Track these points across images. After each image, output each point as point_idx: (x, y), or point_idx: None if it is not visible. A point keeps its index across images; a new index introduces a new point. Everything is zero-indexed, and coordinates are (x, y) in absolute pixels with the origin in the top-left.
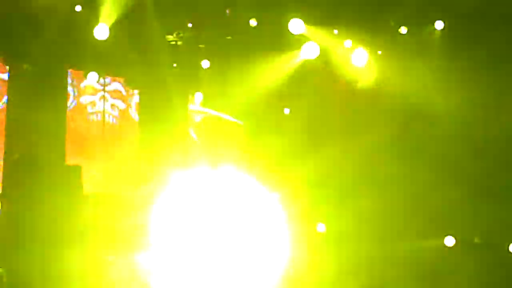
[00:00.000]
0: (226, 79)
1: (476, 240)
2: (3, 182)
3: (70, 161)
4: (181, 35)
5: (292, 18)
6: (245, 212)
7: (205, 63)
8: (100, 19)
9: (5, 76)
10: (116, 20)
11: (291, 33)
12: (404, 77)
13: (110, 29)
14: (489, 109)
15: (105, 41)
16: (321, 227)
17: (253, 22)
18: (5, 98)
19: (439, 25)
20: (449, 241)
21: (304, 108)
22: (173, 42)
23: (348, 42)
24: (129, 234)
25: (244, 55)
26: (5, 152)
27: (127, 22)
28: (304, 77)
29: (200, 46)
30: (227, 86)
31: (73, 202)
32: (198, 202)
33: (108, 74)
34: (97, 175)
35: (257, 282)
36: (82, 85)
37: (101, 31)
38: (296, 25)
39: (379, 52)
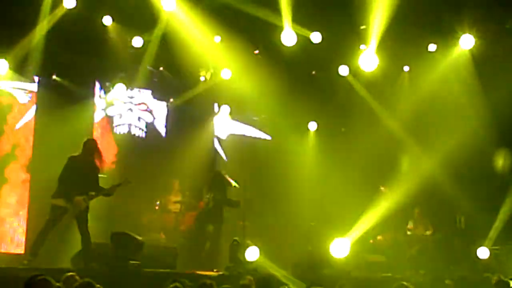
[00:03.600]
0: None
1: None
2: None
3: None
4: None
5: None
6: None
7: (226, 73)
8: (131, 33)
9: (33, 87)
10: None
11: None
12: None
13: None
14: None
15: (133, 53)
16: None
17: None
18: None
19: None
20: None
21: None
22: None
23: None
24: None
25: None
26: (31, 161)
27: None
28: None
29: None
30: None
31: None
32: None
33: (135, 86)
34: None
35: None
36: (109, 97)
37: (136, 41)
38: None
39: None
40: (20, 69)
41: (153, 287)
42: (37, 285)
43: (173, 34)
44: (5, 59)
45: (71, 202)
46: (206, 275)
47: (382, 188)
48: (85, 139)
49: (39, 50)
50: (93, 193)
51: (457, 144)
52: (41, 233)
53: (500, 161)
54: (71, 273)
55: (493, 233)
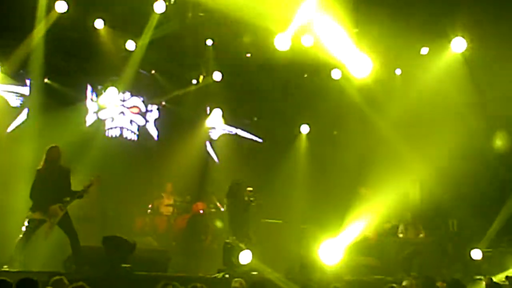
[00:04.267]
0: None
1: None
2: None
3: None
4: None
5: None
6: None
7: (217, 76)
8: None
9: (25, 91)
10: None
11: None
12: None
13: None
14: None
15: (125, 57)
16: None
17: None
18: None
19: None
20: None
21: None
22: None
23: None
24: None
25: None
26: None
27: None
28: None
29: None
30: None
31: None
32: None
33: (127, 90)
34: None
35: None
36: (101, 100)
37: (130, 45)
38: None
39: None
40: (12, 72)
41: None
42: None
43: None
44: None
45: (47, 213)
46: (197, 278)
47: (362, 190)
48: (47, 148)
49: (31, 53)
50: (67, 198)
51: (450, 147)
52: (19, 243)
53: (498, 142)
54: (59, 277)
55: (488, 236)
